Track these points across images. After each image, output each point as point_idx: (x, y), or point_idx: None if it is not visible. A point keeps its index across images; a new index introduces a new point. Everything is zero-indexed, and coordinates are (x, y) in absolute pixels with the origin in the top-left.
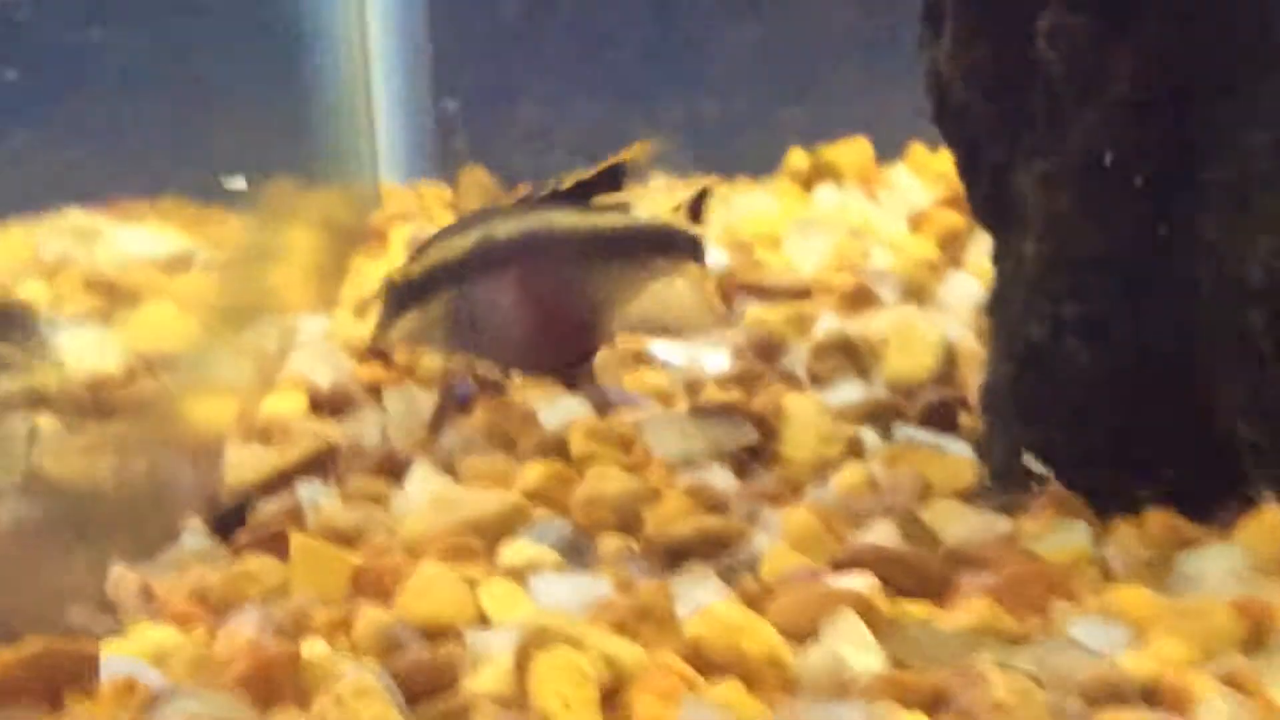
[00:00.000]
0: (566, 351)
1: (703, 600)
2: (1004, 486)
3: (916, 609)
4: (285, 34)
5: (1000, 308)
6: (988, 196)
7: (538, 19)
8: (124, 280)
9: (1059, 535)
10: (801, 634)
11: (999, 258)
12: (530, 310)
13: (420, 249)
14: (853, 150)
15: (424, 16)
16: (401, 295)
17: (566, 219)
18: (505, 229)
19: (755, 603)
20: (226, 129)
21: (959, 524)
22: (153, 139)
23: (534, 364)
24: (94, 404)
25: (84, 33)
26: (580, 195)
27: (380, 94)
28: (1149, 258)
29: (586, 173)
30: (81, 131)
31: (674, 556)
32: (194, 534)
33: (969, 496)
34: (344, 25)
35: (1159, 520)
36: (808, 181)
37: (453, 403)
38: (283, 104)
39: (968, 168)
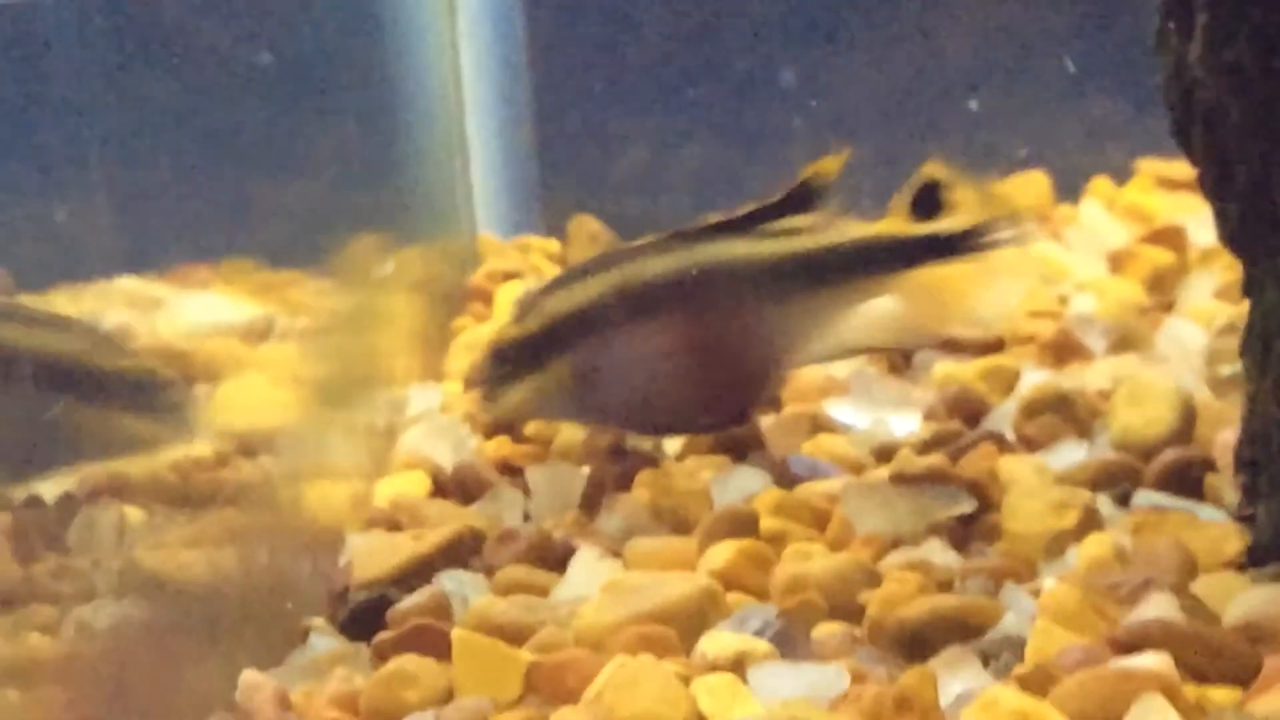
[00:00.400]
0: (732, 407)
1: (966, 688)
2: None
3: (1220, 694)
4: (375, 82)
5: (1259, 347)
6: (1242, 217)
7: (643, 60)
8: (199, 351)
9: None
10: None
11: (1255, 288)
12: (689, 361)
13: (527, 305)
14: (1027, 186)
15: (523, 62)
16: (509, 360)
17: (738, 248)
18: (653, 268)
19: (1034, 688)
20: (308, 185)
21: (1239, 598)
22: (220, 199)
23: (692, 425)
24: (184, 491)
25: (161, 84)
26: (756, 223)
27: (477, 144)
28: None
29: (768, 199)
30: (139, 194)
31: (912, 642)
32: (322, 633)
33: (1240, 567)
34: (438, 72)
35: None
36: None
37: (609, 478)
38: (371, 157)
39: (1218, 185)
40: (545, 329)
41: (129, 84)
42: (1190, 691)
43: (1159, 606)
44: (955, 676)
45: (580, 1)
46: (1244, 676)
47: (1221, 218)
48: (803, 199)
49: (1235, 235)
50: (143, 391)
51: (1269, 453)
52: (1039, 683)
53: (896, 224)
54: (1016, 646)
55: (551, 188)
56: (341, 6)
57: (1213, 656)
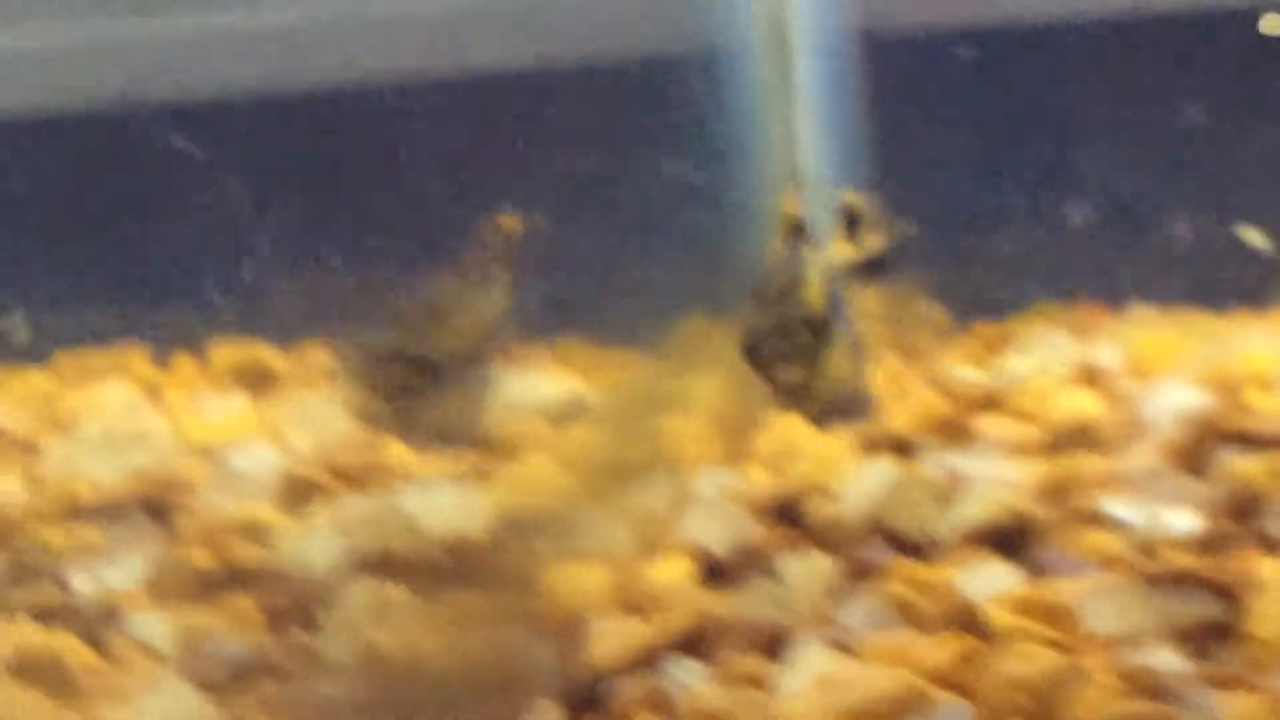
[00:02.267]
0: None
1: None
2: None
3: None
4: (712, 164)
5: None
6: None
7: (998, 129)
8: (504, 433)
9: None
10: None
11: None
12: None
13: None
14: None
15: (862, 140)
16: None
17: None
18: None
19: None
20: (641, 263)
21: None
22: (561, 275)
23: None
24: (452, 569)
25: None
26: None
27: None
28: None
29: None
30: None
31: None
32: (544, 717)
33: None
34: (770, 149)
35: None
36: None
37: (861, 567)
38: (705, 237)
39: None
40: None
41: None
42: None
43: None
44: None
45: (926, 64)
46: None
47: None
48: None
49: None
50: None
51: None
52: None
53: None
54: None
55: (886, 266)
56: (675, 83)
57: None
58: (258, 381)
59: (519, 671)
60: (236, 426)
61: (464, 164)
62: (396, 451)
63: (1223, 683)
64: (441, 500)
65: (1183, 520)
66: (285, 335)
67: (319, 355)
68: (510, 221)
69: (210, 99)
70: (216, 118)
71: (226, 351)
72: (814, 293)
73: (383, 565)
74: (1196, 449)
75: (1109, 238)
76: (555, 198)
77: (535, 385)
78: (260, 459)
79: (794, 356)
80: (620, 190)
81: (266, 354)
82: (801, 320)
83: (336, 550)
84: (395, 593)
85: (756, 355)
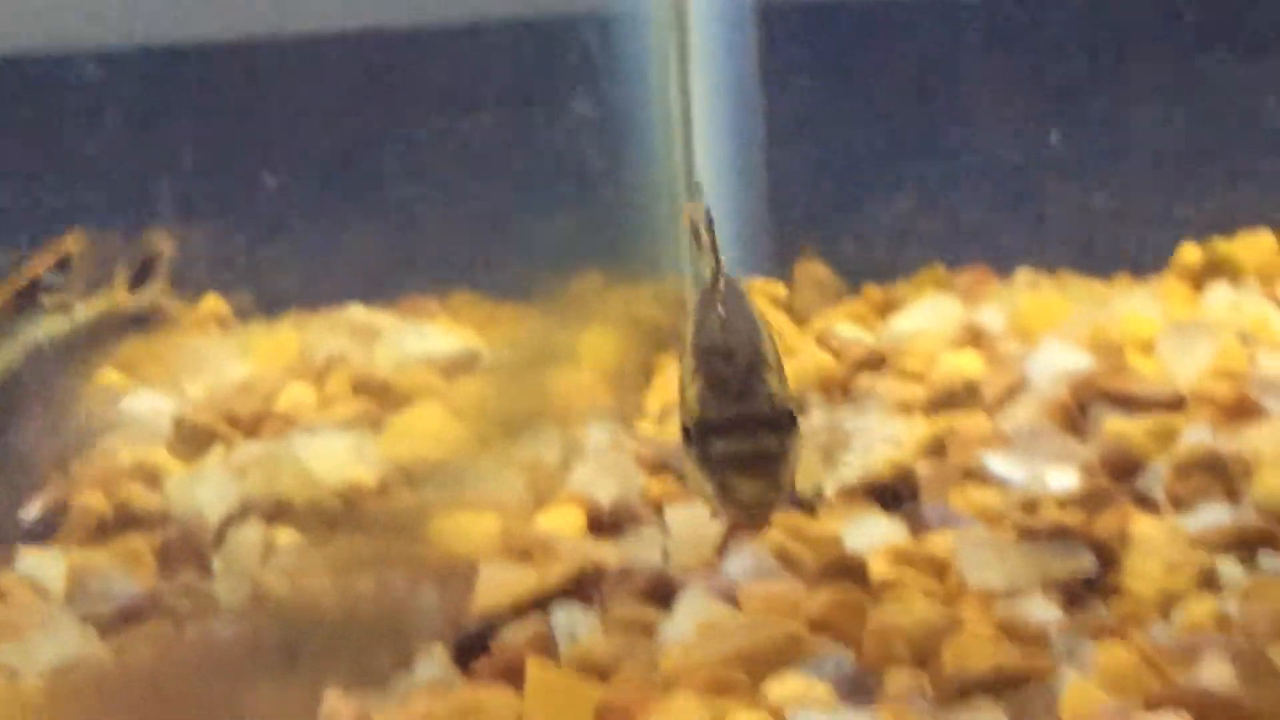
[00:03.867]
0: None
1: None
2: None
3: None
4: (603, 120)
5: None
6: None
7: (889, 98)
8: (397, 382)
9: None
10: None
11: None
12: None
13: None
14: (1255, 245)
15: (757, 105)
16: None
17: None
18: None
19: None
20: (534, 220)
21: None
22: (454, 231)
23: None
24: (342, 515)
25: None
26: None
27: (706, 183)
28: None
29: None
30: (379, 226)
31: (963, 694)
32: (432, 662)
33: None
34: (665, 111)
35: None
36: (1198, 280)
37: (746, 520)
38: (600, 193)
39: None
40: None
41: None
42: None
43: (1216, 673)
44: None
45: (820, 35)
46: None
47: None
48: None
49: None
50: None
51: None
52: None
53: None
54: (1056, 705)
55: (780, 230)
56: (568, 43)
57: None
58: None
59: (407, 616)
60: None
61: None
62: (289, 398)
63: (1097, 633)
64: (333, 447)
65: (1062, 478)
66: None
67: None
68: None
69: None
70: None
71: None
72: None
73: (274, 510)
74: (1077, 409)
75: (996, 204)
76: (449, 155)
77: (426, 337)
78: (154, 405)
79: None
80: (514, 149)
81: None
82: None
83: (228, 495)
84: (286, 537)
85: None
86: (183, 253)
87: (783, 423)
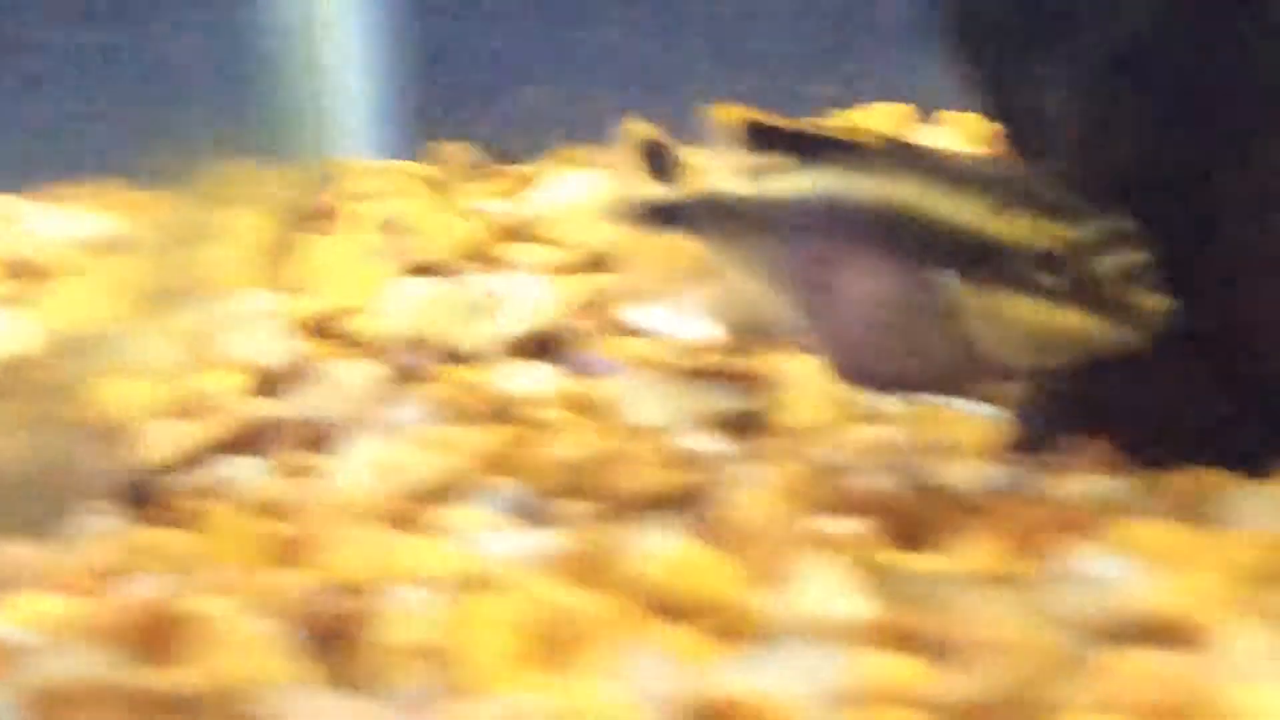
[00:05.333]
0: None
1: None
2: (1040, 446)
3: (912, 556)
4: (244, 11)
5: None
6: None
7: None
8: (43, 261)
9: (1085, 485)
10: (779, 580)
11: None
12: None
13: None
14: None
15: None
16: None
17: None
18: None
19: (726, 548)
20: (169, 107)
21: (976, 478)
22: (87, 119)
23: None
24: (5, 385)
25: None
26: None
27: (351, 65)
28: None
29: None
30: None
31: (637, 511)
32: (99, 514)
33: (998, 455)
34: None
35: (1198, 474)
36: None
37: (411, 373)
38: (231, 77)
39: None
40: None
41: None
42: (882, 556)
43: (881, 481)
44: (660, 539)
45: None
46: (944, 541)
47: None
48: None
49: None
50: None
51: None
52: (730, 544)
53: None
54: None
55: (423, 112)
56: None
57: (914, 523)
58: None
59: (65, 473)
60: None
61: None
62: None
63: (761, 456)
64: None
65: (704, 327)
66: None
67: None
68: None
69: None
70: None
71: None
72: None
73: None
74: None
75: (603, 87)
76: (89, 45)
77: (68, 221)
78: None
79: None
80: (153, 40)
81: None
82: None
83: None
84: None
85: None
86: None
87: None
